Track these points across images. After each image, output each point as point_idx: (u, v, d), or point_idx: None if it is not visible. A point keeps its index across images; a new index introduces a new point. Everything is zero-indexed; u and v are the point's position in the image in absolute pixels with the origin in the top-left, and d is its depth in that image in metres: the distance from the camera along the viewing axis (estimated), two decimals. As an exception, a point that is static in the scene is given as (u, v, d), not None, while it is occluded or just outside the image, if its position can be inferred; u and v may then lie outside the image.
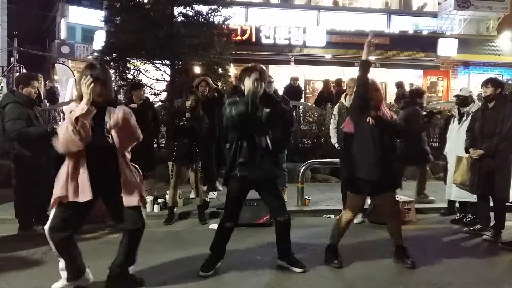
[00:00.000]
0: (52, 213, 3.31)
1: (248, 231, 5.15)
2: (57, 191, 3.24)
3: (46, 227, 3.27)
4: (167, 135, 6.06)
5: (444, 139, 6.20)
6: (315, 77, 16.07)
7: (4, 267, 3.95)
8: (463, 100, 5.61)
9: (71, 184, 3.23)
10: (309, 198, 6.42)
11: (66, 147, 3.19)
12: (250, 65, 3.85)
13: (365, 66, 3.99)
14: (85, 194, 3.21)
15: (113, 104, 3.35)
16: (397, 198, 5.62)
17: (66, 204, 3.25)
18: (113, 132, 3.30)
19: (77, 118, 3.12)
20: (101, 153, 3.30)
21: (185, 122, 5.42)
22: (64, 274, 3.42)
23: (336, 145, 5.85)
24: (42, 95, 5.42)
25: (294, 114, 7.23)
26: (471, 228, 5.31)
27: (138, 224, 3.48)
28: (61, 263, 3.41)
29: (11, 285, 3.61)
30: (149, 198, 6.06)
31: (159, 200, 6.12)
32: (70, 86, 12.70)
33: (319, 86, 16.64)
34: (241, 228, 5.21)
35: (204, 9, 8.94)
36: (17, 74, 4.70)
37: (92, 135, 3.22)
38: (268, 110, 3.73)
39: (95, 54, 11.02)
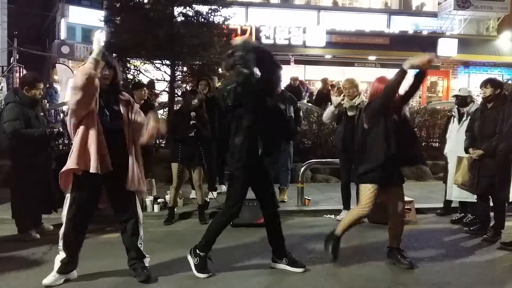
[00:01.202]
0: (67, 203, 3.47)
1: (248, 231, 5.15)
2: (83, 164, 3.34)
3: (64, 217, 3.47)
4: (169, 135, 6.06)
5: (444, 140, 6.19)
6: (315, 77, 16.06)
7: (4, 267, 3.94)
8: (462, 100, 5.61)
9: (97, 157, 3.35)
10: (309, 198, 6.42)
11: (84, 91, 3.29)
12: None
13: (402, 75, 3.79)
14: (108, 165, 3.40)
15: (120, 91, 3.64)
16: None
17: (83, 185, 3.42)
18: (127, 116, 3.58)
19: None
20: (111, 136, 3.45)
21: (195, 122, 5.45)
22: (57, 266, 3.53)
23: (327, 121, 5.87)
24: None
25: (301, 114, 7.26)
26: (471, 228, 5.30)
27: (132, 214, 3.63)
28: (61, 257, 3.53)
29: (11, 285, 3.60)
30: (149, 198, 6.07)
31: (159, 200, 6.12)
32: (70, 86, 12.67)
33: (319, 86, 16.68)
34: (241, 228, 5.22)
35: (204, 9, 8.94)
36: (22, 74, 4.67)
37: (103, 117, 3.44)
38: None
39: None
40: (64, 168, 3.40)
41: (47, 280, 3.53)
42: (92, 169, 3.33)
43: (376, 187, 3.95)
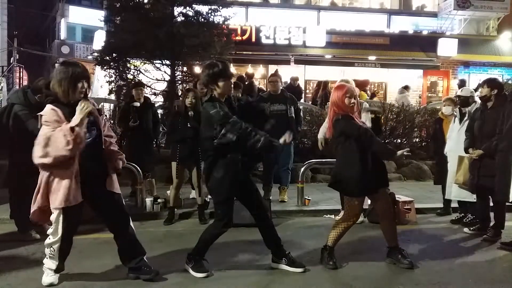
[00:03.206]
0: (59, 224, 3.42)
1: (248, 231, 5.14)
2: (62, 200, 3.31)
3: (56, 238, 3.45)
4: (169, 136, 6.07)
5: (437, 140, 6.19)
6: (315, 77, 16.06)
7: (4, 267, 3.95)
8: (464, 100, 5.61)
9: (75, 188, 3.33)
10: (309, 198, 6.42)
11: (57, 158, 3.24)
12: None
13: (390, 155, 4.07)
14: (80, 195, 3.39)
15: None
16: (397, 198, 5.64)
17: (71, 210, 3.38)
18: (100, 121, 3.53)
19: (72, 128, 3.19)
20: (90, 148, 3.42)
21: (193, 124, 5.43)
22: (50, 272, 3.58)
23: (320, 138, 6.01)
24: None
25: (302, 114, 7.28)
26: (471, 228, 5.30)
27: (121, 209, 3.66)
28: (51, 264, 3.56)
29: (11, 285, 3.61)
30: (149, 198, 6.07)
31: (159, 200, 6.12)
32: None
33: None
34: (241, 228, 5.21)
35: (204, 9, 8.95)
36: (37, 79, 4.57)
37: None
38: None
39: (95, 54, 11.04)
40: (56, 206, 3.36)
41: (47, 280, 3.56)
42: (75, 202, 3.35)
43: (360, 198, 4.03)
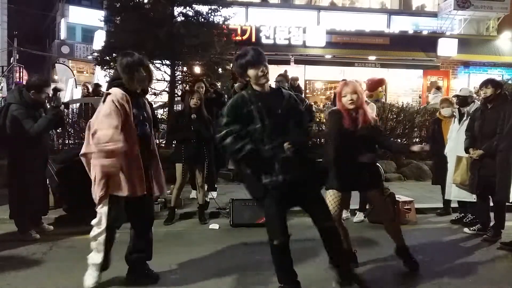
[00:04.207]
0: (105, 214, 3.41)
1: (248, 231, 5.16)
2: (137, 189, 3.34)
3: (101, 229, 3.43)
4: (169, 137, 6.07)
5: (435, 141, 6.19)
6: (315, 77, 16.07)
7: (3, 267, 3.94)
8: (463, 100, 5.61)
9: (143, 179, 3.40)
10: (309, 198, 6.40)
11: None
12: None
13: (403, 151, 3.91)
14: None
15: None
16: (397, 198, 5.64)
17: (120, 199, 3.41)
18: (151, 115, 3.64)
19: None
20: (145, 142, 3.50)
21: (196, 125, 5.45)
22: (95, 268, 3.49)
23: None
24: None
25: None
26: (471, 228, 5.30)
27: (151, 214, 3.71)
28: (97, 258, 3.48)
29: (11, 285, 3.61)
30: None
31: (159, 200, 6.11)
32: (70, 86, 12.73)
33: (319, 86, 16.68)
34: (241, 228, 5.23)
35: (204, 9, 8.95)
36: (29, 76, 4.50)
37: (142, 130, 3.44)
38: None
39: (95, 54, 11.04)
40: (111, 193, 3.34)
41: (89, 281, 3.47)
42: (140, 193, 3.38)
43: (337, 193, 3.90)
